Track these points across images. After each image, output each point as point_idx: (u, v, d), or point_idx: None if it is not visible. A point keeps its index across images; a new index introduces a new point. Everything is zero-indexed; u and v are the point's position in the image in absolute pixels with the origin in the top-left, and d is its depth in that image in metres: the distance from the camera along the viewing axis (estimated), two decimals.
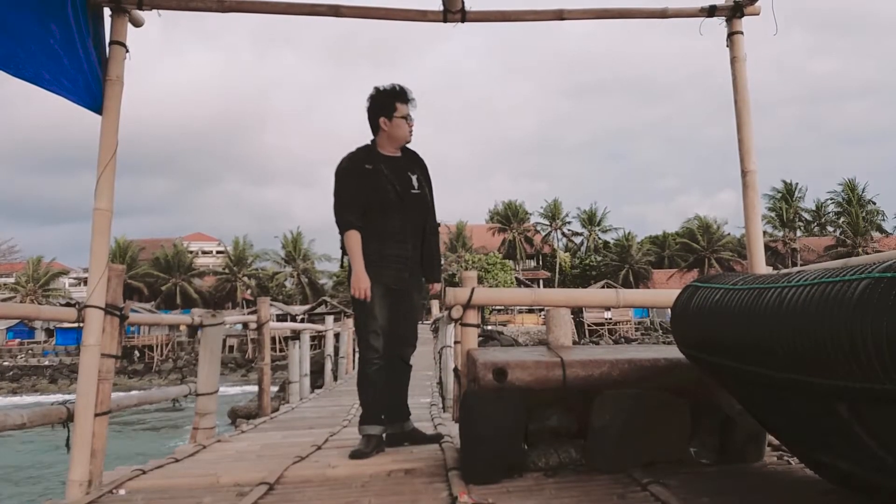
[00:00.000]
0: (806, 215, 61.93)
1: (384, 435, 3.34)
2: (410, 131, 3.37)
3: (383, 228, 3.25)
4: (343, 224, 3.25)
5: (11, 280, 58.32)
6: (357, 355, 3.56)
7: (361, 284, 3.19)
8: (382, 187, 3.25)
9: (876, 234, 57.45)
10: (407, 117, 3.34)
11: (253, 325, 6.96)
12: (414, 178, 3.36)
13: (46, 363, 45.76)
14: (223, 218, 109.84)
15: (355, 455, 3.12)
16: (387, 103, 3.31)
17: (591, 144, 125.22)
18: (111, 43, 2.90)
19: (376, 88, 3.34)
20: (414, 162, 3.43)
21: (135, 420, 24.75)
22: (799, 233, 60.08)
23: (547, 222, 64.13)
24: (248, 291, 60.12)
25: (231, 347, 46.09)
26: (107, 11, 2.91)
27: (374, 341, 3.27)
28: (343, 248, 3.32)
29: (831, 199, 60.61)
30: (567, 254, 63.32)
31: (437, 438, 3.43)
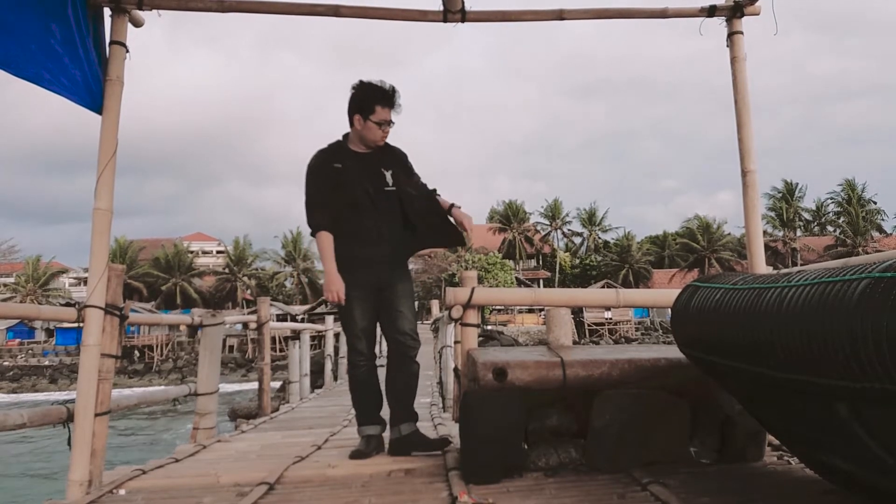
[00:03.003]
0: (806, 215, 61.95)
1: (387, 442, 3.23)
2: (383, 137, 3.17)
3: (357, 229, 3.13)
4: (313, 226, 3.15)
5: (11, 280, 58.32)
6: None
7: (334, 286, 3.07)
8: (352, 188, 3.11)
9: (876, 234, 57.47)
10: (382, 123, 3.12)
11: (253, 325, 6.97)
12: (388, 174, 3.17)
13: (46, 363, 45.74)
14: (223, 218, 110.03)
15: (355, 455, 3.11)
16: (367, 102, 3.09)
17: (591, 144, 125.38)
18: (111, 43, 2.90)
19: (361, 82, 3.13)
20: (388, 156, 3.23)
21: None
22: (799, 233, 60.08)
23: (547, 222, 64.16)
24: (248, 291, 60.11)
25: (231, 347, 46.06)
26: (107, 11, 2.92)
27: (358, 344, 3.20)
28: None
29: (831, 198, 60.69)
30: (567, 254, 63.32)
31: (443, 444, 3.18)
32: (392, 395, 3.25)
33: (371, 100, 3.09)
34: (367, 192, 3.13)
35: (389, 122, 3.15)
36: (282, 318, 42.06)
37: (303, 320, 39.09)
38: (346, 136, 3.24)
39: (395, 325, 3.20)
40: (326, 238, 3.12)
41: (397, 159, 3.25)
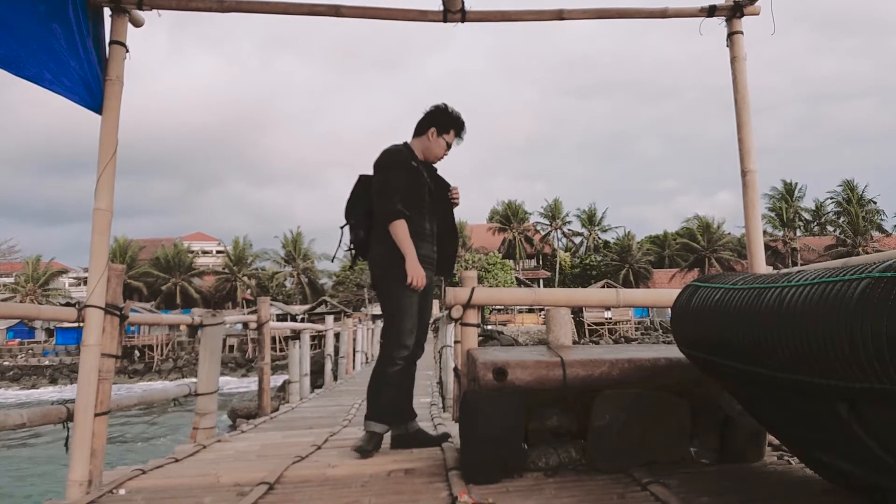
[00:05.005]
0: (806, 215, 61.92)
1: (390, 437, 3.35)
2: (443, 157, 3.49)
3: (419, 229, 3.28)
4: (392, 213, 3.19)
5: (11, 280, 58.30)
6: (379, 353, 3.49)
7: (419, 272, 3.17)
8: (423, 188, 3.33)
9: (876, 234, 57.44)
10: (449, 145, 3.47)
11: (253, 325, 6.96)
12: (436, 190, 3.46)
13: (46, 363, 45.76)
14: (223, 218, 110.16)
15: (357, 450, 3.14)
16: (446, 122, 3.42)
17: (591, 144, 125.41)
18: (111, 43, 2.90)
19: (446, 105, 3.46)
20: (437, 176, 3.52)
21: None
22: (799, 232, 60.06)
23: (547, 222, 64.15)
24: (248, 291, 60.12)
25: (231, 347, 46.10)
26: (107, 11, 2.91)
27: (407, 340, 3.25)
28: (355, 241, 3.36)
29: (831, 198, 60.67)
30: (567, 254, 63.30)
31: (443, 438, 3.40)
32: (403, 396, 3.41)
33: (449, 122, 3.44)
34: (431, 196, 3.37)
35: (450, 148, 3.49)
36: (282, 317, 42.10)
37: (303, 320, 39.12)
38: (407, 144, 3.45)
39: (422, 338, 3.41)
40: (404, 225, 3.21)
41: (443, 182, 3.51)
